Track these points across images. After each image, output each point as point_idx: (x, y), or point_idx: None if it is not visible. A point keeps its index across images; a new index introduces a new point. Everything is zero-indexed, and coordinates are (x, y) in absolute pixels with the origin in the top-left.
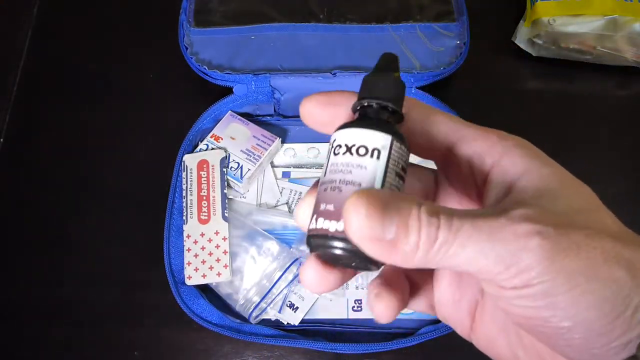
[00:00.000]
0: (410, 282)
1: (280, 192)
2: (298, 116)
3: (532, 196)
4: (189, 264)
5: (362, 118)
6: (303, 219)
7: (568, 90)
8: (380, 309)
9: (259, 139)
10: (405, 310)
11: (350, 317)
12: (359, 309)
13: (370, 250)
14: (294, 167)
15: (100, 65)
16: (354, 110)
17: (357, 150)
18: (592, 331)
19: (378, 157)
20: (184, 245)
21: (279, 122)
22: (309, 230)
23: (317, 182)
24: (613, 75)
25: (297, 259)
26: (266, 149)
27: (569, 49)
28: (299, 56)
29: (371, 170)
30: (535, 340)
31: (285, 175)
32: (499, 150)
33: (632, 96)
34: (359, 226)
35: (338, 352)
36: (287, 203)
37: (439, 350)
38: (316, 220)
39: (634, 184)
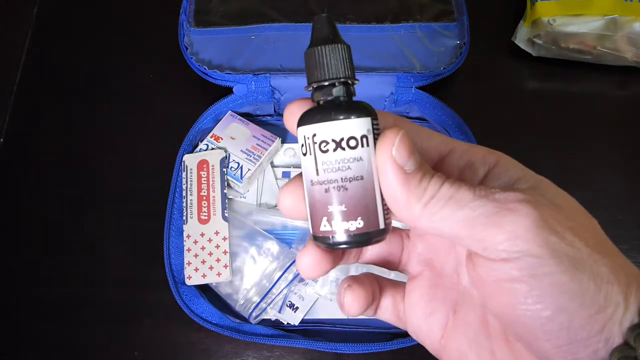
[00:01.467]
0: (381, 290)
1: None
2: None
3: (529, 188)
4: (189, 264)
5: (332, 104)
6: (289, 208)
7: (568, 90)
8: (349, 299)
9: (259, 139)
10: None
11: (350, 317)
12: None
13: (389, 177)
14: (294, 167)
15: (100, 65)
16: (317, 94)
17: (347, 144)
18: (572, 322)
19: (367, 144)
20: (184, 245)
21: (279, 122)
22: (322, 232)
23: (301, 174)
24: (613, 75)
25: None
26: (266, 149)
27: (569, 49)
28: (299, 56)
29: (366, 158)
30: (507, 354)
31: (285, 175)
32: (491, 160)
33: (632, 96)
34: (390, 152)
35: (338, 352)
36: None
37: None
38: (329, 222)
39: (634, 183)
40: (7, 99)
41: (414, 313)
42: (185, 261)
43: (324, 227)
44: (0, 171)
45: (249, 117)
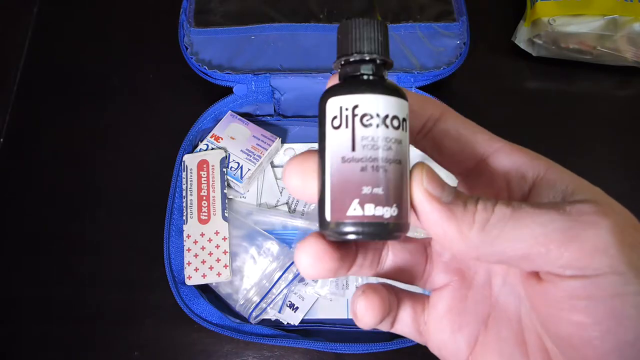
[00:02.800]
0: (399, 302)
1: (280, 192)
2: (298, 116)
3: (592, 200)
4: (189, 264)
5: (377, 80)
6: (296, 185)
7: (568, 90)
8: (362, 308)
9: (259, 139)
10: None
11: (350, 317)
12: None
13: (430, 212)
14: None
15: (100, 65)
16: (351, 67)
17: (391, 123)
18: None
19: (405, 129)
20: (184, 245)
21: (279, 122)
22: (348, 218)
23: (312, 149)
24: (613, 75)
25: None
26: (266, 149)
27: (569, 49)
28: (299, 56)
29: (405, 143)
30: None
31: None
32: (540, 166)
33: (632, 96)
34: (422, 185)
35: (338, 352)
36: (287, 203)
37: None
38: (361, 206)
39: (634, 183)
40: (7, 99)
41: (439, 327)
42: (185, 261)
43: (353, 210)
44: (0, 171)
45: (249, 117)
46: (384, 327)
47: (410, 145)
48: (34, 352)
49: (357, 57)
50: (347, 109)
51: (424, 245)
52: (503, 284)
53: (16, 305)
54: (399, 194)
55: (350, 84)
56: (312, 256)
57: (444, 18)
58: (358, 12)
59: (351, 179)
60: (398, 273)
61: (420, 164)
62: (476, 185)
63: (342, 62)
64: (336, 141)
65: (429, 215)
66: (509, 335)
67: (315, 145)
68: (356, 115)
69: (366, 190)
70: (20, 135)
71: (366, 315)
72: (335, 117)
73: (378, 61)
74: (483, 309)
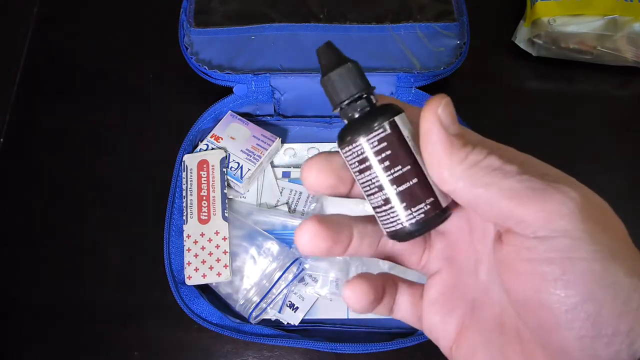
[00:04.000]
0: (398, 290)
1: (280, 192)
2: (298, 116)
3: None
4: (189, 264)
5: (364, 116)
6: (317, 183)
7: (568, 90)
8: (347, 293)
9: (259, 139)
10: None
11: (350, 317)
12: None
13: (434, 136)
14: (294, 167)
15: (100, 64)
16: (349, 109)
17: (397, 140)
18: (599, 314)
19: (405, 137)
20: (184, 245)
21: (279, 122)
22: (408, 221)
23: (332, 151)
24: (613, 75)
25: (297, 259)
26: (266, 149)
27: (569, 49)
28: (299, 56)
29: (409, 146)
30: (519, 354)
31: (285, 175)
32: (520, 158)
33: (632, 96)
34: (436, 111)
35: (338, 352)
36: (287, 203)
37: (439, 350)
38: (411, 211)
39: (634, 183)
40: (7, 99)
41: (431, 310)
42: (185, 261)
43: (408, 217)
44: (0, 171)
45: (249, 117)
46: (382, 313)
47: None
48: (34, 352)
49: (342, 105)
50: (361, 151)
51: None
52: (488, 271)
53: (16, 305)
54: (425, 190)
55: (352, 128)
56: (308, 235)
57: (444, 18)
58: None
59: (396, 193)
60: (396, 256)
61: (441, 95)
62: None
63: (339, 110)
64: (371, 175)
65: (432, 137)
66: (490, 317)
67: (315, 145)
68: (370, 150)
69: (408, 196)
70: (20, 135)
71: (351, 299)
72: (356, 162)
73: (364, 95)
74: (470, 294)
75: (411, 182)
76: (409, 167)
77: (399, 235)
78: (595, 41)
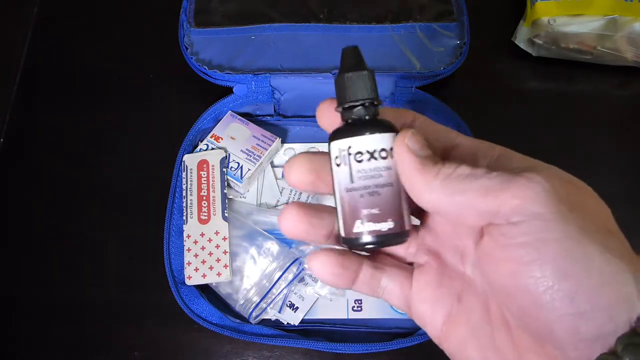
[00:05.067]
0: (386, 273)
1: (280, 192)
2: (298, 116)
3: (536, 167)
4: (189, 264)
5: (363, 122)
6: (297, 180)
7: (568, 90)
8: (313, 264)
9: (259, 139)
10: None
11: (350, 317)
12: (359, 309)
13: (406, 161)
14: None
15: (100, 65)
16: (348, 113)
17: (379, 155)
18: (576, 291)
19: (392, 156)
20: (184, 245)
21: (279, 122)
22: (354, 234)
23: (315, 151)
24: (613, 75)
25: (297, 259)
26: (266, 149)
27: (569, 49)
28: (299, 56)
29: (394, 168)
30: (506, 340)
31: None
32: (495, 152)
33: (632, 96)
34: (404, 141)
35: (338, 352)
36: (287, 203)
37: (439, 350)
38: (363, 224)
39: (634, 184)
40: (7, 99)
41: (419, 299)
42: (185, 261)
43: (357, 228)
44: (0, 171)
45: (249, 117)
46: (367, 293)
47: None
48: (34, 352)
49: (346, 105)
50: (343, 150)
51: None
52: (473, 264)
53: (16, 305)
54: (393, 210)
55: (346, 127)
56: (289, 216)
57: (444, 18)
58: (360, 13)
59: (353, 204)
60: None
61: (406, 129)
62: None
63: (341, 109)
64: (340, 176)
65: (405, 164)
66: (476, 306)
67: (315, 145)
68: (351, 154)
69: (365, 212)
70: (20, 135)
71: (313, 269)
72: (337, 157)
73: (367, 104)
74: (457, 285)
75: (382, 197)
76: (386, 182)
77: (351, 242)
78: (595, 41)
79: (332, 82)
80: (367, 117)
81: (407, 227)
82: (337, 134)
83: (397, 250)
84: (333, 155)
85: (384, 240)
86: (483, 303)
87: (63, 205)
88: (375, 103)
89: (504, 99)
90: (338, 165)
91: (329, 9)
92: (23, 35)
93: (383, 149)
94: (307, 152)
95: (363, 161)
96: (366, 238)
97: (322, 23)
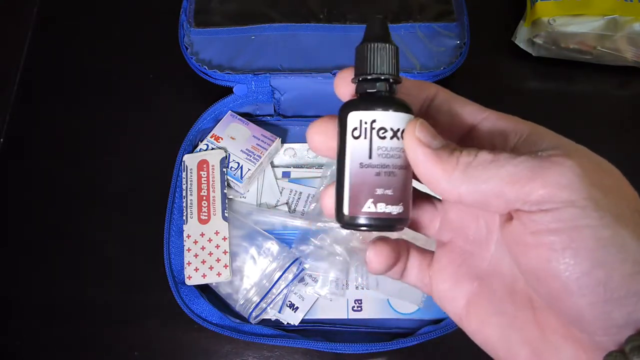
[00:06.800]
0: (409, 255)
1: (280, 192)
2: (298, 116)
3: (566, 147)
4: (189, 264)
5: (389, 98)
6: (320, 143)
7: (568, 90)
8: (371, 254)
9: (259, 139)
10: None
11: (350, 317)
12: (359, 309)
13: (419, 156)
14: (294, 167)
15: (100, 65)
16: (369, 85)
17: (401, 135)
18: (610, 278)
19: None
20: (184, 245)
21: (279, 122)
22: (363, 213)
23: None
24: (613, 75)
25: (297, 259)
26: (266, 149)
27: (569, 49)
28: (299, 56)
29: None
30: (531, 321)
31: (285, 175)
32: (524, 128)
33: (632, 96)
34: (414, 134)
35: (338, 352)
36: (287, 203)
37: (438, 350)
38: (375, 204)
39: (634, 184)
40: (7, 99)
41: (441, 279)
42: (185, 261)
43: (368, 208)
44: (0, 171)
45: (249, 117)
46: (394, 276)
47: None
48: (34, 352)
49: (374, 76)
50: (366, 123)
51: (433, 202)
52: (497, 244)
53: (16, 305)
54: (405, 194)
55: (368, 100)
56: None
57: (443, 18)
58: (360, 13)
59: (367, 181)
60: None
61: (415, 118)
62: None
63: (360, 79)
64: (356, 149)
65: (419, 158)
66: (500, 287)
67: None
68: (374, 128)
69: (379, 191)
70: (20, 135)
71: (373, 262)
72: (355, 129)
73: (391, 80)
74: (480, 264)
75: (397, 179)
76: (402, 164)
77: (354, 221)
78: (595, 41)
79: (332, 82)
80: (390, 94)
81: (410, 215)
82: (359, 104)
83: (422, 224)
84: (350, 126)
85: (390, 224)
86: (508, 282)
87: (63, 205)
88: (398, 80)
89: (504, 99)
90: (356, 137)
91: (329, 9)
92: (23, 35)
93: (404, 130)
94: (331, 116)
95: (386, 138)
96: (373, 220)
97: (322, 23)
